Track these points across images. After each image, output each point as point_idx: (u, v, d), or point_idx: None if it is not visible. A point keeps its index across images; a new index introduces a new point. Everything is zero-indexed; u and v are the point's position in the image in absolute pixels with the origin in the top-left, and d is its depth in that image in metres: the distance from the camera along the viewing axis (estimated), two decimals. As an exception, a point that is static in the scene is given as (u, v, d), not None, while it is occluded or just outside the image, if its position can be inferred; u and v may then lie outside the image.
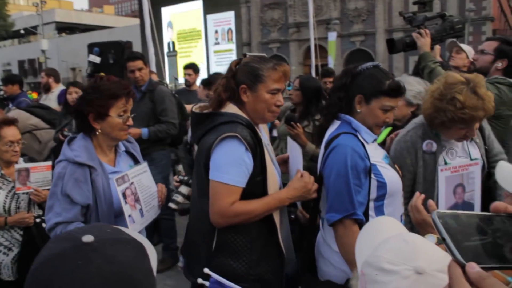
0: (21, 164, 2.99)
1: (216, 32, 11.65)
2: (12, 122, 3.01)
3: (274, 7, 36.57)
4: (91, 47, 5.86)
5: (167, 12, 12.10)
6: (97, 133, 2.27)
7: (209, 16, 11.46)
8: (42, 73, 6.52)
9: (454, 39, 3.75)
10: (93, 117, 2.24)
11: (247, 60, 2.15)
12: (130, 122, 2.33)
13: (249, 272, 2.08)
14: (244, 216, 2.02)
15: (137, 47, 6.90)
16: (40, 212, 3.02)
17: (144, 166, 2.44)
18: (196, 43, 12.26)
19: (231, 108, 2.09)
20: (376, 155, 2.17)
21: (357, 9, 33.60)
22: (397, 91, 2.12)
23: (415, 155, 2.43)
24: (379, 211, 2.14)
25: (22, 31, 49.02)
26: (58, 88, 6.21)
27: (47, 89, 6.21)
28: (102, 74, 5.65)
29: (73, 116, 2.46)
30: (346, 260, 2.05)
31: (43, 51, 37.48)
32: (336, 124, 2.21)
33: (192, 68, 6.44)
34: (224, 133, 1.98)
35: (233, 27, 11.22)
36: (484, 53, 3.27)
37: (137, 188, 2.29)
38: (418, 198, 1.84)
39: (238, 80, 2.09)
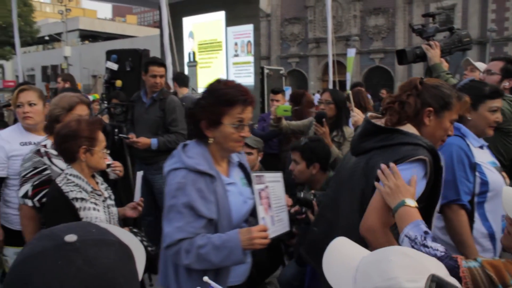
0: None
1: (236, 44, 11.62)
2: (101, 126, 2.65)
3: (295, 22, 36.75)
4: (109, 54, 5.92)
5: (188, 22, 12.11)
6: (209, 141, 2.07)
7: (229, 28, 11.48)
8: (59, 79, 6.57)
9: (469, 57, 3.78)
10: (205, 124, 2.04)
11: (436, 83, 2.05)
12: (247, 133, 2.08)
13: None
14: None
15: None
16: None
17: (279, 175, 2.26)
18: (216, 54, 12.19)
19: (411, 129, 1.98)
20: (482, 157, 2.46)
21: (377, 26, 33.59)
22: (497, 92, 2.53)
23: None
24: (480, 207, 2.43)
25: (46, 38, 50.00)
26: (75, 94, 6.26)
27: (64, 94, 6.26)
28: (118, 81, 5.73)
29: (187, 121, 2.23)
30: (455, 241, 2.32)
31: (65, 58, 38.18)
32: None
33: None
34: (407, 155, 1.85)
35: (252, 40, 11.22)
36: (491, 73, 3.32)
37: (270, 194, 2.12)
38: None
39: (424, 101, 1.98)
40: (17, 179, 3.02)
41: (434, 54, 3.15)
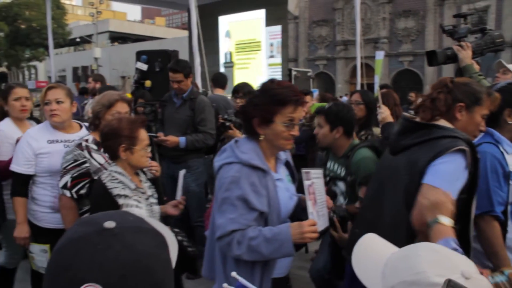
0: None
1: (272, 45, 11.43)
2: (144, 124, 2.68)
3: (322, 24, 36.57)
4: (139, 55, 6.01)
5: (224, 21, 11.84)
6: (260, 138, 2.16)
7: (266, 28, 11.29)
8: (90, 79, 6.72)
9: (501, 59, 3.70)
10: (257, 122, 2.13)
11: (466, 81, 2.19)
12: (296, 132, 2.16)
13: None
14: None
15: (184, 58, 7.05)
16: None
17: (320, 171, 2.33)
18: (255, 55, 11.87)
19: (446, 124, 2.07)
20: None
21: (407, 28, 33.13)
22: None
23: None
24: None
25: (78, 39, 51.12)
26: (105, 93, 6.38)
27: (94, 93, 6.40)
28: (147, 81, 5.82)
29: (240, 118, 2.31)
30: (488, 252, 2.28)
31: (96, 59, 38.99)
32: (480, 135, 2.46)
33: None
34: (447, 147, 1.93)
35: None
36: None
37: (315, 190, 2.19)
38: None
39: (455, 97, 2.09)
40: (44, 176, 3.11)
41: (466, 55, 3.09)
